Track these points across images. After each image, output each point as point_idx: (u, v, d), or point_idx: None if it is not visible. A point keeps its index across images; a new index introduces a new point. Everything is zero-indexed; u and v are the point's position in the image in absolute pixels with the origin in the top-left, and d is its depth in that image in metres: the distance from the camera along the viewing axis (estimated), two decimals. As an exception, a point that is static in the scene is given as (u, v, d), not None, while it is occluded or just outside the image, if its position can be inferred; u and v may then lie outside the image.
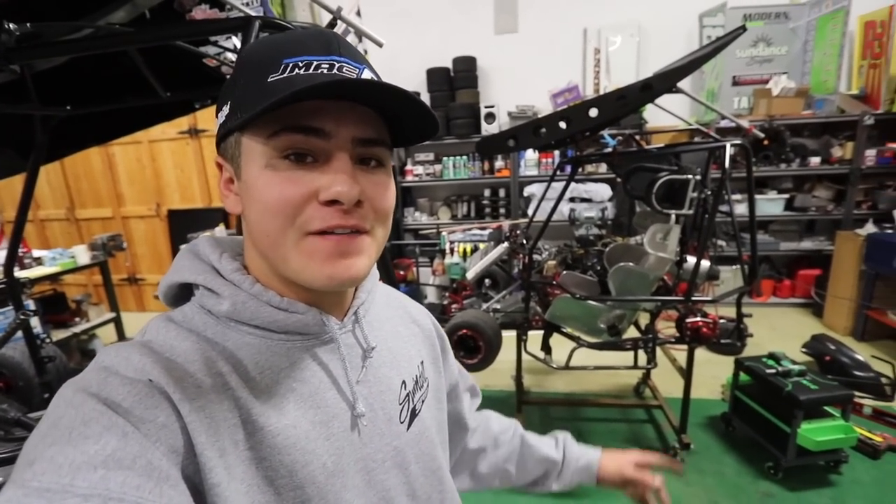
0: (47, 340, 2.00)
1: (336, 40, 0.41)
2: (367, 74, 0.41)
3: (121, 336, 3.58)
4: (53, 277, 3.17)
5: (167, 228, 4.47)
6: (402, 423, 0.51)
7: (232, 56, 1.18)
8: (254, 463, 0.39)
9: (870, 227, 3.32)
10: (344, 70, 0.39)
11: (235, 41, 1.08)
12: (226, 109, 0.42)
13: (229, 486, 0.36)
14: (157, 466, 0.32)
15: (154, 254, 4.59)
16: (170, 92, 1.20)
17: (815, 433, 1.88)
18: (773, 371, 2.05)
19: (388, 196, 0.44)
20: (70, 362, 3.26)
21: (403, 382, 0.53)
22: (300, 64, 0.39)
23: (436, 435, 0.57)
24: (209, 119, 4.14)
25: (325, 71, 0.39)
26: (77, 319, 3.36)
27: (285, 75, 0.38)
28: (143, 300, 4.71)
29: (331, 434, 0.44)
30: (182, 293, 0.47)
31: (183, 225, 4.18)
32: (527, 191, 4.00)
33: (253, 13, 0.87)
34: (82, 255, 3.26)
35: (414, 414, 0.54)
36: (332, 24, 0.89)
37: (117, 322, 3.58)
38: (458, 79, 4.01)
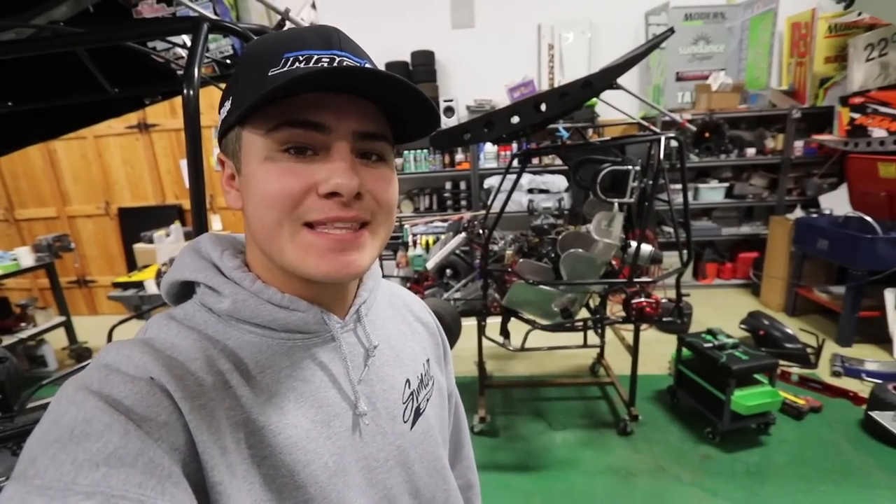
0: (-5, 343, 1.92)
1: (337, 35, 0.41)
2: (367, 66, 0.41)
3: (72, 340, 3.43)
4: (-7, 282, 3.00)
5: (118, 227, 4.29)
6: (405, 422, 0.51)
7: (182, 52, 1.18)
8: (255, 462, 0.39)
9: (798, 213, 3.62)
10: (344, 64, 0.39)
11: (185, 38, 1.09)
12: (227, 105, 0.42)
13: (231, 484, 0.36)
14: (159, 464, 0.32)
15: (105, 254, 4.39)
16: (118, 88, 1.19)
17: (746, 399, 2.07)
18: (710, 345, 2.23)
19: (391, 189, 0.44)
20: (17, 370, 3.11)
21: (407, 381, 0.53)
22: (301, 58, 0.39)
23: (439, 433, 0.57)
24: (159, 113, 3.99)
25: (326, 64, 0.39)
26: (23, 325, 3.20)
27: (285, 69, 0.38)
28: (95, 303, 4.51)
29: (332, 434, 0.44)
30: (184, 291, 0.47)
31: (135, 223, 4.02)
32: (487, 183, 4.10)
33: (202, 10, 0.89)
34: (25, 256, 3.10)
35: (418, 413, 0.53)
36: (280, 25, 0.92)
37: (68, 326, 3.42)
38: (416, 73, 4.04)
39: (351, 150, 0.40)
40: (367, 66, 0.41)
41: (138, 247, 3.40)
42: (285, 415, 0.41)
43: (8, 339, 3.00)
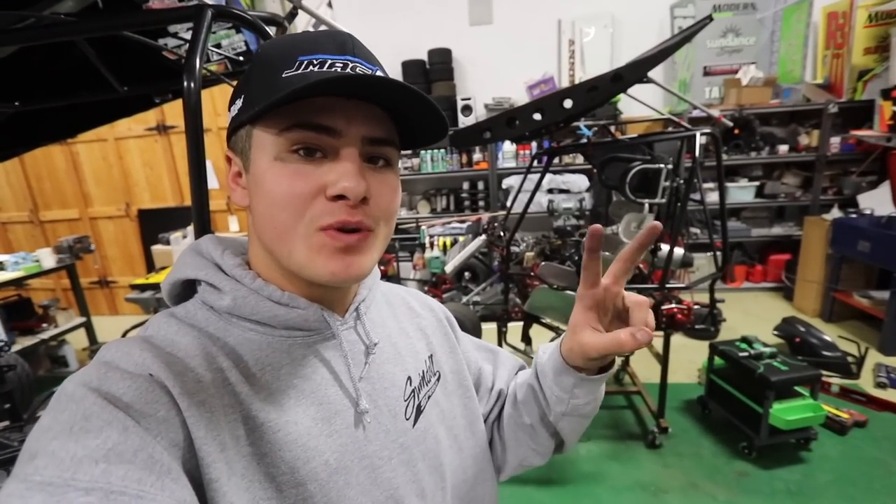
0: (4, 349, 1.92)
1: (351, 41, 0.42)
2: (380, 75, 0.42)
3: (92, 341, 3.46)
4: (17, 282, 3.04)
5: (138, 229, 4.33)
6: (407, 419, 0.51)
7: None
8: (255, 459, 0.39)
9: (835, 213, 3.43)
10: (357, 70, 0.40)
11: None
12: (239, 103, 0.43)
13: (229, 481, 0.36)
14: (159, 460, 0.32)
15: (125, 255, 4.44)
16: (127, 86, 1.15)
17: (786, 412, 1.94)
18: (745, 354, 2.10)
19: (394, 197, 0.45)
20: (39, 370, 3.15)
21: (409, 378, 0.53)
22: (315, 61, 0.40)
23: (444, 433, 0.55)
24: (178, 115, 4.01)
25: (339, 69, 0.40)
26: (44, 325, 3.23)
27: (300, 71, 0.39)
28: (116, 303, 4.57)
29: (333, 431, 0.44)
30: (185, 292, 0.47)
31: (154, 225, 4.06)
32: (505, 183, 4.00)
33: (210, 1, 0.83)
34: (48, 258, 3.13)
35: (419, 410, 0.53)
36: (293, 14, 0.86)
37: (88, 327, 3.45)
38: (433, 71, 3.97)
39: (359, 154, 0.41)
40: (380, 73, 0.42)
41: (156, 248, 3.41)
42: (285, 412, 0.41)
43: (30, 340, 3.03)
